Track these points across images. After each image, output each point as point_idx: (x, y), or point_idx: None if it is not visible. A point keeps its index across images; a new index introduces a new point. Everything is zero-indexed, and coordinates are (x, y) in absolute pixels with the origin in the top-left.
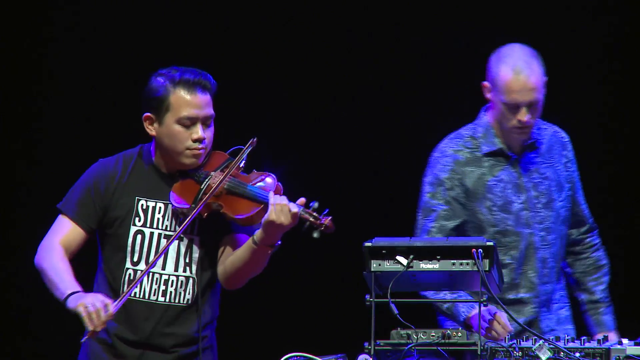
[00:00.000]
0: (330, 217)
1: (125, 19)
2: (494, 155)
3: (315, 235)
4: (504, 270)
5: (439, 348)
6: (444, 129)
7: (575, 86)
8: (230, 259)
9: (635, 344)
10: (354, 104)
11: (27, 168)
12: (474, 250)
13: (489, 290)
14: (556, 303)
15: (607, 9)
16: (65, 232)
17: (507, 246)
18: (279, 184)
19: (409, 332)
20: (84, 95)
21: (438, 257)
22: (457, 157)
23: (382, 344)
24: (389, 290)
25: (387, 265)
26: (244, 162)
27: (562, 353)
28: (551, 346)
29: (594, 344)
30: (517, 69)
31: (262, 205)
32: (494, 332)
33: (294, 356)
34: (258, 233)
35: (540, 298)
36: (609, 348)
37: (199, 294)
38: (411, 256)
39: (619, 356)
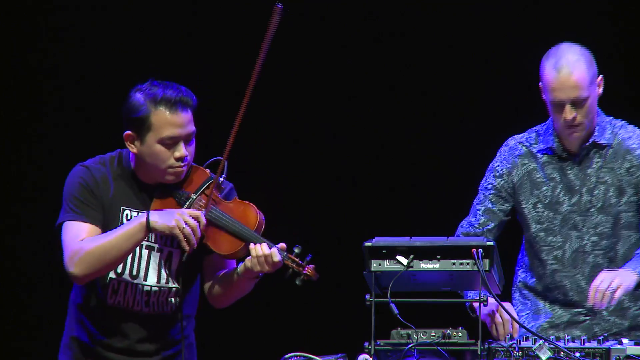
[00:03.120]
0: (312, 266)
1: (114, 25)
2: (549, 154)
3: (298, 282)
4: (545, 270)
5: (439, 348)
6: (445, 129)
7: None
8: (217, 281)
9: (636, 344)
10: (355, 103)
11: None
12: (474, 250)
13: (489, 290)
14: (629, 309)
15: None
16: (84, 233)
17: (551, 246)
18: (261, 216)
19: (409, 332)
20: (82, 97)
21: (438, 257)
22: (515, 148)
23: (382, 344)
24: (389, 290)
25: (387, 265)
26: (224, 176)
27: (562, 353)
28: (551, 346)
29: (594, 344)
30: (559, 67)
31: (244, 244)
32: (494, 329)
33: (294, 356)
34: (241, 268)
35: (591, 303)
36: (609, 348)
37: (182, 302)
38: (411, 256)
39: (619, 356)
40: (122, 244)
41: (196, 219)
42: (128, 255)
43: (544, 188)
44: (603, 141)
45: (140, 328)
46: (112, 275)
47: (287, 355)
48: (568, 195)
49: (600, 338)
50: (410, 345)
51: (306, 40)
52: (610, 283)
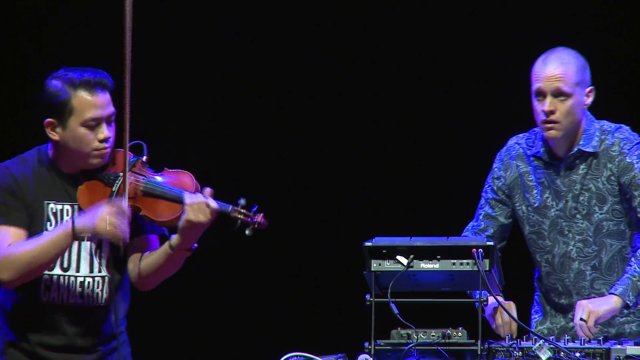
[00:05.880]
0: (262, 214)
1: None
2: (539, 158)
3: (248, 232)
4: (541, 272)
5: (439, 348)
6: (445, 129)
7: None
8: (145, 262)
9: (635, 344)
10: (356, 103)
11: None
12: (474, 250)
13: (489, 290)
14: (619, 317)
15: None
16: (10, 238)
17: (542, 249)
18: (196, 181)
19: (409, 332)
20: None
21: (438, 257)
22: (512, 149)
23: (382, 344)
24: (389, 290)
25: (387, 265)
26: (145, 157)
27: (562, 353)
28: (551, 346)
29: (594, 344)
30: (548, 59)
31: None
32: (497, 322)
33: (294, 356)
34: (175, 238)
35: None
36: (609, 348)
37: (114, 291)
38: (411, 256)
39: (619, 356)
40: (49, 251)
41: (120, 212)
42: (56, 260)
43: (534, 192)
44: (589, 149)
45: (77, 322)
46: None
47: (287, 355)
48: (555, 200)
49: (600, 338)
50: (410, 345)
51: (315, 35)
52: (583, 314)
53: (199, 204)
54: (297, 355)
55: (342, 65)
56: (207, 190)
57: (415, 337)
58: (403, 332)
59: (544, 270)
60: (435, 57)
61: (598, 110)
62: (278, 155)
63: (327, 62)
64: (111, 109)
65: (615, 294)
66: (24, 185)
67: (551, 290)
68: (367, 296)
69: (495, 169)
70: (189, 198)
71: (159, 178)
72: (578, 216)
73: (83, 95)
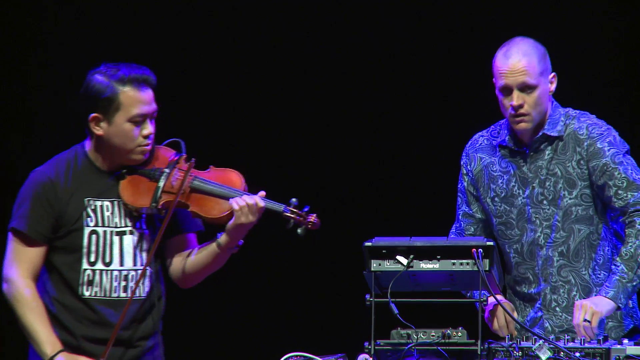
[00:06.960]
0: (314, 214)
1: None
2: (505, 147)
3: (300, 232)
4: (511, 262)
5: (439, 348)
6: (445, 129)
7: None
8: (191, 260)
9: (635, 344)
10: (356, 103)
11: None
12: (474, 250)
13: (489, 290)
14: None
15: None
16: (28, 256)
17: (511, 239)
18: (243, 179)
19: (409, 332)
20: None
21: (438, 257)
22: (475, 142)
23: (382, 344)
24: (389, 290)
25: (387, 265)
26: (185, 155)
27: (562, 353)
28: (551, 346)
29: (594, 344)
30: (509, 53)
31: None
32: (495, 326)
33: (294, 356)
34: (223, 238)
35: (544, 297)
36: (609, 348)
37: (155, 285)
38: (411, 256)
39: (619, 356)
40: (25, 332)
41: None
42: None
43: (500, 181)
44: (554, 133)
45: (122, 315)
46: (85, 265)
47: (287, 355)
48: (522, 188)
49: (600, 338)
50: (410, 345)
51: (312, 39)
52: (587, 315)
53: (249, 206)
54: (297, 355)
55: (342, 65)
56: (261, 193)
57: (415, 337)
58: (403, 332)
59: (514, 261)
60: (437, 58)
61: (597, 109)
62: (278, 155)
63: (326, 63)
64: (155, 105)
65: (607, 297)
66: (62, 187)
67: (522, 280)
68: (367, 296)
69: (464, 165)
70: (235, 202)
71: (206, 175)
72: (545, 202)
73: (131, 91)
